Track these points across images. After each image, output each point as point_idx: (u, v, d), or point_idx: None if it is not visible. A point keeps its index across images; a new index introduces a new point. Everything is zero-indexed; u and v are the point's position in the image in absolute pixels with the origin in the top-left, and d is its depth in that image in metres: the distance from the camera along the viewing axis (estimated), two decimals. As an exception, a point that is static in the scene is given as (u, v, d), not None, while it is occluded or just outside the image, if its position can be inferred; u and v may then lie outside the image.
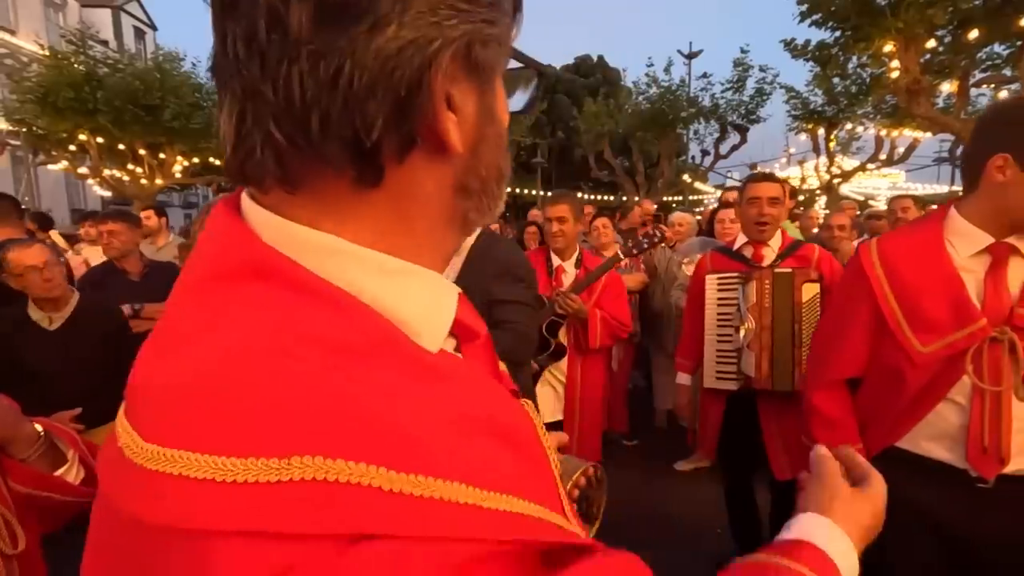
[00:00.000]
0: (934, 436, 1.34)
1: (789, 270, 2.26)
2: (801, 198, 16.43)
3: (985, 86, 9.35)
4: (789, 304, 2.22)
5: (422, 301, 0.41)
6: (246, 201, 0.40)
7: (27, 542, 0.89)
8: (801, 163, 17.12)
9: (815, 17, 9.13)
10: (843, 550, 0.54)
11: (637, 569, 0.40)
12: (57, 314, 2.37)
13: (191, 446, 0.30)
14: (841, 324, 1.51)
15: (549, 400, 2.69)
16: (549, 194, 3.01)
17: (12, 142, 15.28)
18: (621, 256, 2.67)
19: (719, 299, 2.45)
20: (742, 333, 2.28)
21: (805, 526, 0.56)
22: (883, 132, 13.62)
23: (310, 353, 0.33)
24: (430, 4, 0.34)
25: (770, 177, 2.47)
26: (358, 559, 0.28)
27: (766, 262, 2.37)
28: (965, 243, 1.31)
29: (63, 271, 2.38)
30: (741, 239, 2.49)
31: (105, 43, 17.25)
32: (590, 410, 2.74)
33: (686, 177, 19.08)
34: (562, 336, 2.68)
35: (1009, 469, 1.27)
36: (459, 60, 0.36)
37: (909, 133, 13.07)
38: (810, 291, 2.20)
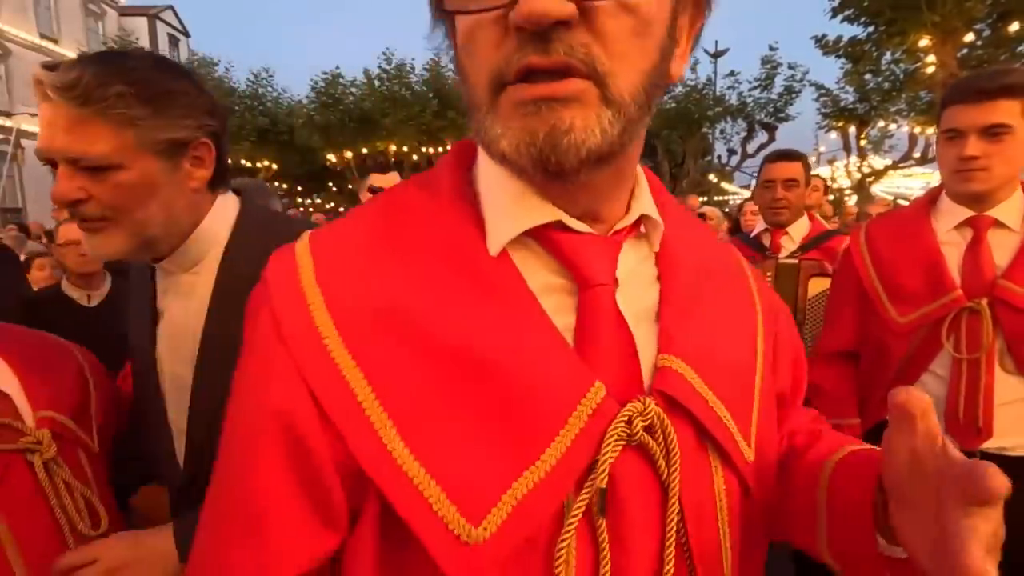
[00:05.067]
0: None
1: (795, 261, 2.07)
2: (831, 198, 16.07)
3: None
4: (792, 299, 2.01)
5: (501, 202, 0.47)
6: None
7: (108, 522, 0.83)
8: (831, 162, 16.71)
9: (847, 12, 8.94)
10: None
11: None
12: (95, 292, 2.49)
13: None
14: (834, 303, 1.62)
15: None
16: None
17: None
18: None
19: None
20: None
21: None
22: (917, 130, 13.21)
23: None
24: None
25: (788, 155, 2.20)
26: None
27: (784, 252, 2.16)
28: (945, 218, 1.37)
29: None
30: (760, 226, 2.30)
31: (142, 50, 17.78)
32: None
33: (712, 177, 18.83)
34: None
35: (993, 445, 1.27)
36: None
37: (945, 130, 12.65)
38: (819, 286, 1.97)
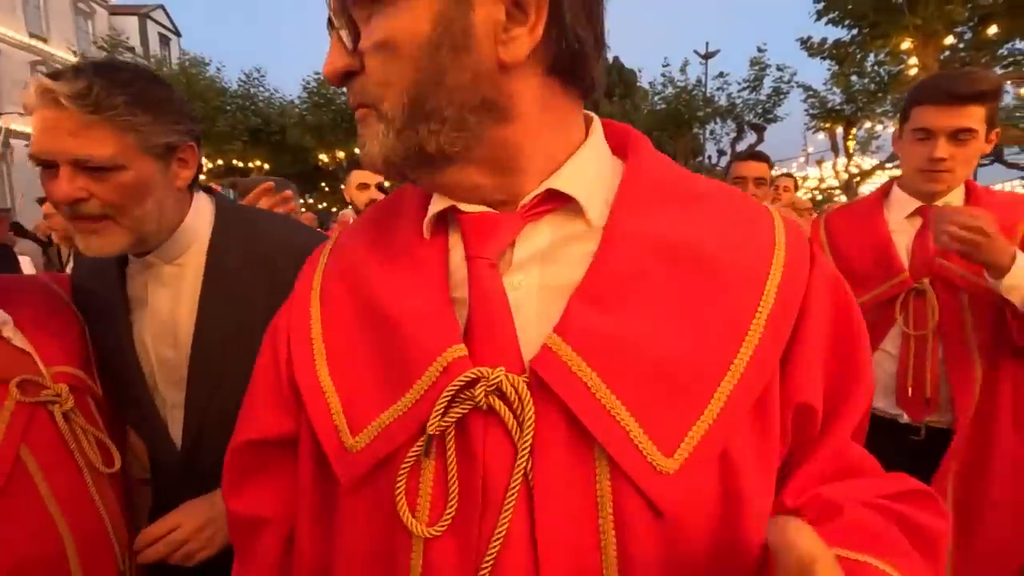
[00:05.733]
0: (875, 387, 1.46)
1: None
2: (820, 198, 16.27)
3: (1006, 83, 9.19)
4: None
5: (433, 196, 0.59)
6: None
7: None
8: (819, 163, 16.91)
9: (832, 15, 9.09)
10: None
11: None
12: None
13: None
14: None
15: None
16: None
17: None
18: None
19: None
20: None
21: None
22: (903, 130, 13.38)
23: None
24: None
25: (758, 156, 2.50)
26: None
27: None
28: (897, 208, 1.49)
29: None
30: None
31: (132, 50, 17.75)
32: None
33: (702, 177, 18.96)
34: None
35: (938, 420, 1.37)
36: None
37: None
38: None
